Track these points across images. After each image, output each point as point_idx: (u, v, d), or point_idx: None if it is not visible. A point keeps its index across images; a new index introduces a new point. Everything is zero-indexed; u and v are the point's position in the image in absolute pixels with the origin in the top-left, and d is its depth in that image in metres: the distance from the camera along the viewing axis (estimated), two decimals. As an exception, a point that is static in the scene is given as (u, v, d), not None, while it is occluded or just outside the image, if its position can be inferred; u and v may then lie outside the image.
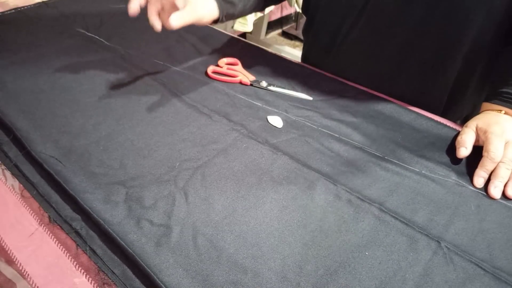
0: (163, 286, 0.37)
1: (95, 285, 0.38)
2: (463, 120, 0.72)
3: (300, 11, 0.83)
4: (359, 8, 0.64)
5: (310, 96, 0.65)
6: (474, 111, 0.71)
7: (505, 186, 0.48)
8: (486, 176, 0.49)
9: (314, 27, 0.75)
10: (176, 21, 0.54)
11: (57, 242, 0.42)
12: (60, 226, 0.43)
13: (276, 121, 0.58)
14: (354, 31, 0.67)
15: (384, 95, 0.66)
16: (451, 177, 0.50)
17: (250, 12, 0.76)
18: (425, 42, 0.61)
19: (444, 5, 0.56)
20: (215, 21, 0.64)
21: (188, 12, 0.56)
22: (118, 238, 0.40)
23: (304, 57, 0.84)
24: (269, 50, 0.79)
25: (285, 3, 2.13)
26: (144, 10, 0.58)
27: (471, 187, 0.49)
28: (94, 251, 0.40)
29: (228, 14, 0.66)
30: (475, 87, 0.67)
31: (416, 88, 0.66)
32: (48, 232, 0.43)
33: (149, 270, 0.38)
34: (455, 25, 0.57)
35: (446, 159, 0.53)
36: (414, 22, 0.60)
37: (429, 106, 0.65)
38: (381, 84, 0.67)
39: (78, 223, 0.43)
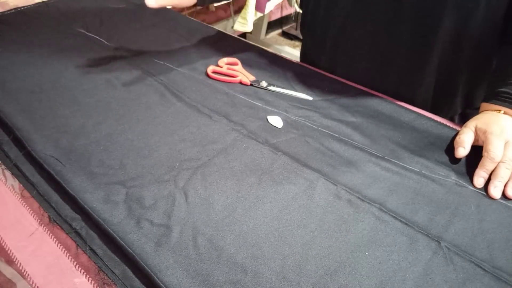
0: (163, 286, 0.37)
1: (95, 285, 0.38)
2: (459, 118, 0.72)
3: (300, 11, 0.84)
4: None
5: (310, 96, 0.65)
6: (468, 109, 0.72)
7: (505, 186, 0.48)
8: (486, 176, 0.49)
9: (308, 19, 0.77)
10: (152, 2, 0.59)
11: (57, 242, 0.42)
12: (60, 226, 0.43)
13: (276, 121, 0.58)
14: (347, 21, 0.67)
15: (378, 92, 0.66)
16: (451, 177, 0.50)
17: None
18: (413, 37, 0.62)
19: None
20: (194, 5, 0.68)
21: None
22: (118, 238, 0.40)
23: (302, 53, 0.85)
24: (269, 50, 0.79)
25: (285, 3, 2.13)
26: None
27: (471, 187, 0.49)
28: (94, 251, 0.40)
29: None
30: (464, 84, 0.67)
31: (404, 83, 0.67)
32: (48, 232, 0.43)
33: (149, 270, 0.38)
34: (437, 20, 0.58)
35: (446, 159, 0.53)
36: (405, 15, 0.60)
37: (413, 102, 0.65)
38: (372, 80, 0.68)
39: (78, 223, 0.43)
